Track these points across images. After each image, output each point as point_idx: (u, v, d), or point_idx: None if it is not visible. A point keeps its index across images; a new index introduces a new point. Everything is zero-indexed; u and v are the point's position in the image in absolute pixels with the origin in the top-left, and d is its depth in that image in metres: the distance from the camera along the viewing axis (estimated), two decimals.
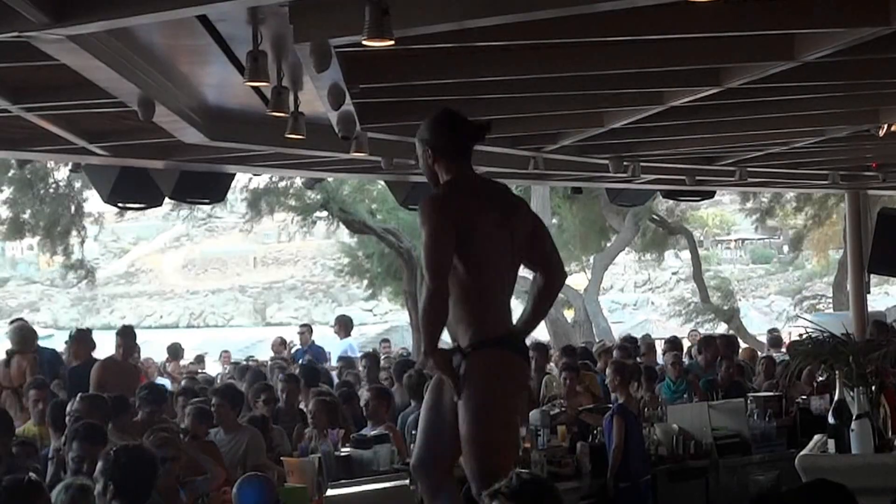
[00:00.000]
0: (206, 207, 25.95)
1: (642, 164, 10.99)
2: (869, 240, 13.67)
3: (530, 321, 5.20)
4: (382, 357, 14.31)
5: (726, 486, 9.31)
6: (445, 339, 4.93)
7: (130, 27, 5.23)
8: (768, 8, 5.80)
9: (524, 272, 5.15)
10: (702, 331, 22.92)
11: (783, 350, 15.08)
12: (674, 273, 57.30)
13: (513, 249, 4.93)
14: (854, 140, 10.41)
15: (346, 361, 13.06)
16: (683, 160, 11.54)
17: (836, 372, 6.85)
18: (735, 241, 62.57)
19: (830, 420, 6.89)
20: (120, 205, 11.77)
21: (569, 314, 25.46)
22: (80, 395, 7.62)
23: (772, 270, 59.81)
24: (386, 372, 11.81)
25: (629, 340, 13.81)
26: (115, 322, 52.53)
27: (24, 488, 4.46)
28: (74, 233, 21.96)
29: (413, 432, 8.04)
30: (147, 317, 64.42)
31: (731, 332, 23.86)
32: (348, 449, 7.81)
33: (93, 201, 19.61)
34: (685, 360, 12.57)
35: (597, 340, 18.69)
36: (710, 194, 15.53)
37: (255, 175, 17.63)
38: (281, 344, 17.20)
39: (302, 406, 9.51)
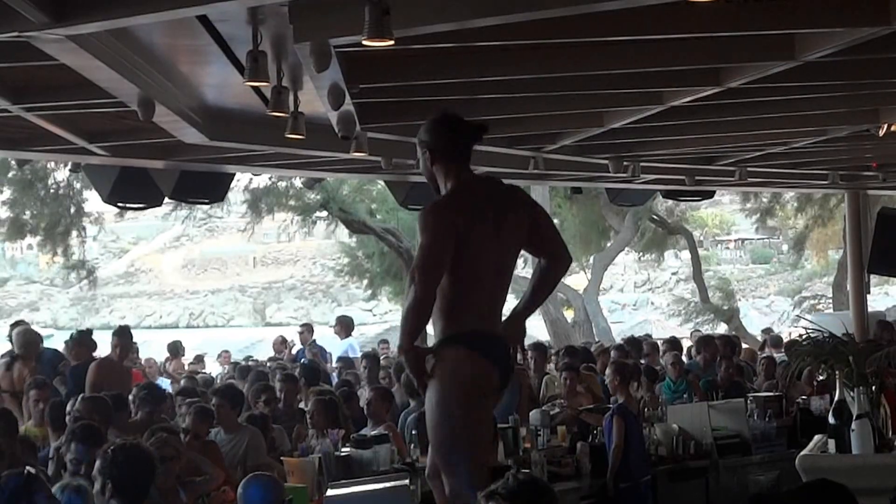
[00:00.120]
0: (206, 207, 25.99)
1: (642, 164, 10.99)
2: (869, 240, 13.66)
3: (528, 305, 5.25)
4: (382, 357, 14.32)
5: (726, 487, 9.32)
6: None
7: (130, 27, 5.22)
8: (768, 8, 5.80)
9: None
10: (703, 331, 22.93)
11: (783, 350, 15.08)
12: (673, 273, 57.33)
13: (504, 256, 4.99)
14: (854, 140, 10.41)
15: (346, 361, 13.07)
16: (683, 160, 11.54)
17: (836, 372, 6.85)
18: (735, 241, 62.58)
19: (831, 420, 6.89)
20: (120, 205, 11.76)
21: (569, 314, 25.47)
22: (81, 395, 7.61)
23: (772, 270, 59.82)
24: (385, 371, 11.82)
25: (631, 342, 13.79)
26: (114, 322, 52.47)
27: (24, 482, 4.46)
28: (74, 233, 21.97)
29: (413, 432, 8.05)
30: (147, 317, 64.43)
31: (731, 332, 23.87)
32: (348, 449, 7.81)
33: (93, 201, 19.61)
34: (685, 360, 12.57)
35: (595, 341, 18.69)
36: (710, 194, 15.52)
37: (254, 175, 17.63)
38: (282, 343, 17.20)
39: (302, 405, 9.51)
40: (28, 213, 21.53)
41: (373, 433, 8.06)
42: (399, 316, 5.26)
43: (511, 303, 5.21)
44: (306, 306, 62.27)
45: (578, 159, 10.70)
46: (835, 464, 6.56)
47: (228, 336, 39.14)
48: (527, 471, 6.88)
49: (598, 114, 8.65)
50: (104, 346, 10.96)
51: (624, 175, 11.05)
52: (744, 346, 16.10)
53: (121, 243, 71.15)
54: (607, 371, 9.61)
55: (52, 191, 21.22)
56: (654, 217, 27.31)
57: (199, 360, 19.18)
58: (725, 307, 30.27)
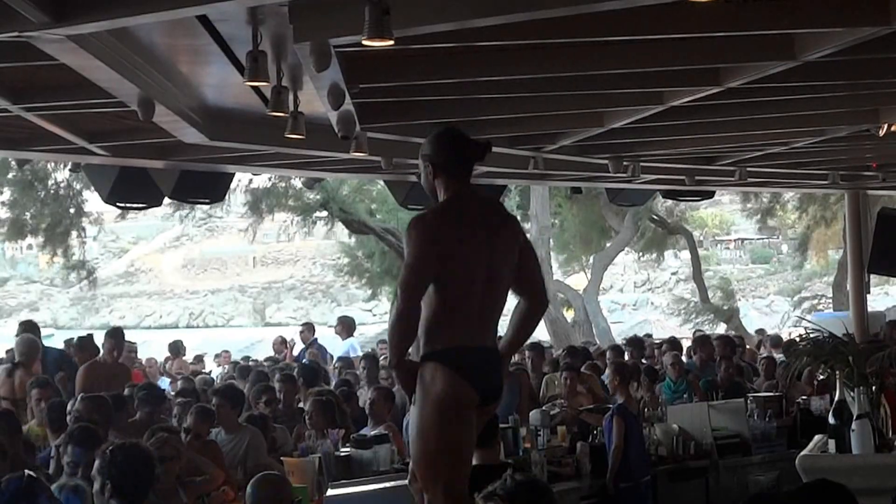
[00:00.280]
0: (206, 207, 26.00)
1: (642, 164, 10.98)
2: (869, 240, 13.66)
3: (510, 347, 5.30)
4: (382, 358, 14.30)
5: (726, 487, 9.32)
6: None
7: (130, 27, 5.22)
8: (768, 8, 5.79)
9: None
10: (704, 331, 22.95)
11: (781, 350, 15.09)
12: (673, 273, 57.33)
13: (491, 274, 4.96)
14: (854, 140, 10.40)
15: (346, 361, 13.06)
16: (683, 160, 11.53)
17: (837, 372, 6.85)
18: (734, 241, 62.59)
19: (831, 420, 6.90)
20: (120, 205, 11.76)
21: (568, 314, 25.47)
22: (81, 395, 7.61)
23: (771, 270, 59.84)
24: (386, 371, 11.82)
25: (633, 342, 13.79)
26: (114, 322, 52.60)
27: (25, 485, 4.46)
28: (74, 233, 21.98)
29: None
30: (147, 317, 64.45)
31: (731, 332, 23.88)
32: (348, 449, 7.81)
33: (93, 201, 19.62)
34: (684, 360, 12.59)
35: (594, 342, 18.69)
36: (710, 194, 15.52)
37: (254, 175, 17.63)
38: (281, 343, 17.19)
39: (302, 405, 9.51)
40: (28, 213, 21.54)
41: (373, 433, 8.06)
42: None
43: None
44: (306, 306, 62.27)
45: (578, 159, 10.69)
46: (835, 464, 6.57)
47: (228, 336, 39.17)
48: (526, 471, 6.88)
49: (598, 114, 8.65)
50: None
51: (624, 175, 11.04)
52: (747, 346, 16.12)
53: (121, 243, 71.14)
54: (607, 371, 9.61)
55: (52, 191, 21.23)
56: (654, 217, 27.32)
57: (199, 359, 19.19)
58: (725, 307, 30.30)
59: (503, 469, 6.31)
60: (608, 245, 27.36)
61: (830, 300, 31.64)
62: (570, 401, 9.45)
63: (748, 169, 11.93)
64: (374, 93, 7.04)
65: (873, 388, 6.84)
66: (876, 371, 6.82)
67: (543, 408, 9.31)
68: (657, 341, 15.49)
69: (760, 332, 20.77)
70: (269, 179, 22.12)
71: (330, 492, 7.13)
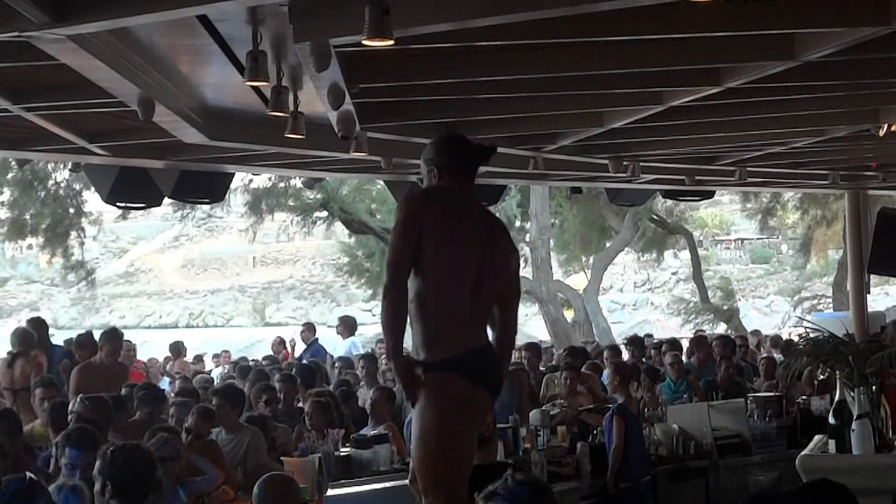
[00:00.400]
0: (206, 207, 26.01)
1: (642, 164, 10.98)
2: (869, 240, 13.66)
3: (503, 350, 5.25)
4: (383, 357, 14.29)
5: (726, 487, 9.32)
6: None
7: (130, 27, 5.22)
8: (768, 8, 5.79)
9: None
10: (705, 331, 22.95)
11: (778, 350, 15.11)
12: (673, 273, 57.31)
13: (480, 268, 4.94)
14: (854, 140, 10.40)
15: (346, 361, 13.06)
16: (683, 160, 11.53)
17: (837, 372, 6.85)
18: (734, 241, 62.58)
19: (831, 420, 6.89)
20: (120, 204, 11.76)
21: (568, 314, 25.47)
22: (80, 396, 7.61)
23: (771, 270, 59.83)
24: (386, 364, 11.84)
25: (633, 342, 13.80)
26: (114, 322, 52.60)
27: (26, 488, 4.45)
28: (74, 234, 21.99)
29: None
30: (146, 317, 64.44)
31: (731, 332, 23.87)
32: (348, 449, 7.81)
33: (93, 201, 19.63)
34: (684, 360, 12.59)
35: (592, 341, 18.69)
36: (710, 194, 15.52)
37: (254, 175, 17.63)
38: (280, 343, 17.18)
39: (301, 405, 9.50)
40: (28, 213, 21.55)
41: (373, 433, 8.06)
42: None
43: None
44: (305, 306, 62.26)
45: (578, 159, 10.69)
46: (835, 464, 6.56)
47: (228, 336, 39.15)
48: (526, 471, 6.87)
49: (597, 114, 8.65)
50: None
51: (624, 175, 11.04)
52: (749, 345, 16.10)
53: (121, 243, 71.13)
54: (607, 371, 9.61)
55: (52, 191, 21.24)
56: (654, 217, 27.33)
57: (199, 359, 19.19)
58: (725, 307, 30.31)
59: (501, 468, 6.34)
60: (608, 245, 27.36)
61: (830, 300, 31.64)
62: (570, 401, 9.45)
63: (748, 169, 11.93)
64: (374, 93, 7.04)
65: (873, 388, 6.84)
66: (876, 371, 6.81)
67: (543, 408, 9.31)
68: (655, 342, 15.46)
69: (756, 333, 20.76)
70: (269, 179, 22.12)
71: (330, 492, 7.13)
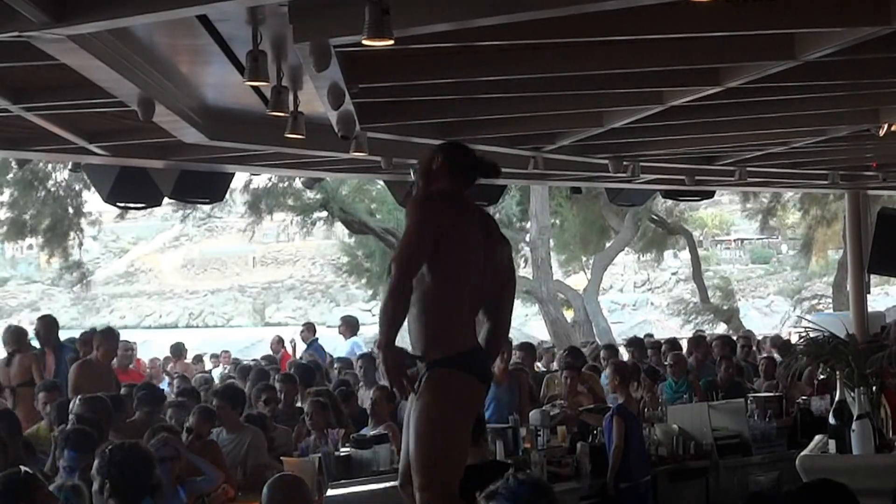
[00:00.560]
0: (206, 207, 26.00)
1: (642, 164, 10.98)
2: (869, 240, 13.66)
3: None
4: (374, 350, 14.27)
5: (726, 487, 9.31)
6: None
7: (130, 27, 5.22)
8: (768, 8, 5.79)
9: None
10: (705, 331, 22.94)
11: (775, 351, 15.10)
12: (673, 273, 57.33)
13: (483, 271, 5.05)
14: (854, 140, 10.40)
15: (345, 361, 13.05)
16: (683, 160, 11.53)
17: (837, 372, 6.85)
18: (734, 241, 62.59)
19: (831, 420, 6.89)
20: (120, 204, 11.77)
21: (568, 314, 25.47)
22: (80, 396, 7.61)
23: (771, 270, 59.83)
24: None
25: (633, 343, 13.80)
26: (114, 322, 52.59)
27: (22, 482, 4.45)
28: (73, 234, 21.99)
29: None
30: (147, 317, 64.46)
31: (730, 331, 23.87)
32: (348, 449, 7.80)
33: (93, 201, 19.63)
34: None
35: (591, 341, 18.67)
36: (710, 194, 15.52)
37: (254, 175, 17.62)
38: (278, 343, 17.18)
39: (300, 405, 9.50)
40: (28, 213, 21.55)
41: (372, 433, 8.06)
42: None
43: None
44: (305, 306, 62.26)
45: (578, 159, 10.69)
46: (835, 464, 6.56)
47: (228, 336, 39.13)
48: (526, 471, 6.87)
49: (597, 114, 8.65)
50: None
51: (624, 175, 11.04)
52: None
53: (121, 243, 71.15)
54: (607, 371, 9.61)
55: (52, 191, 21.24)
56: (654, 217, 27.33)
57: (199, 359, 19.19)
58: (725, 307, 30.31)
59: (492, 466, 6.37)
60: (608, 245, 27.35)
61: (830, 300, 31.64)
62: (570, 401, 9.44)
63: (748, 169, 11.93)
64: (374, 93, 7.04)
65: (873, 388, 6.84)
66: (876, 371, 6.81)
67: (543, 408, 9.31)
68: (652, 342, 15.44)
69: (747, 333, 20.71)
70: (269, 179, 22.12)
71: (330, 492, 7.13)
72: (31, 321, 12.36)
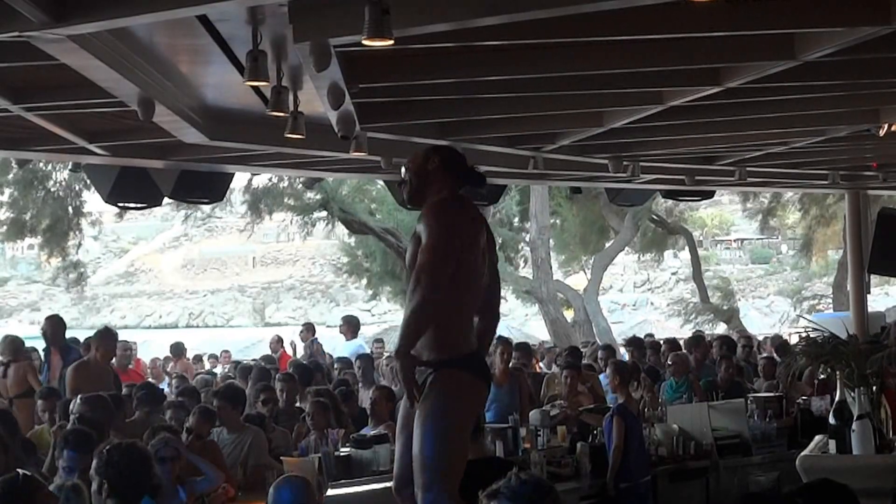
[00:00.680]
0: (206, 207, 26.00)
1: (642, 163, 10.98)
2: (869, 240, 13.66)
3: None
4: (385, 356, 14.30)
5: (726, 487, 9.31)
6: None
7: (130, 27, 5.22)
8: (768, 8, 5.79)
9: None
10: (705, 331, 22.94)
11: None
12: (673, 273, 57.39)
13: (483, 272, 5.10)
14: (854, 140, 10.39)
15: (345, 362, 13.05)
16: (683, 160, 11.53)
17: (837, 373, 6.84)
18: (734, 241, 62.62)
19: (831, 420, 6.88)
20: (120, 204, 11.77)
21: (568, 314, 25.48)
22: (81, 396, 7.61)
23: (771, 270, 59.86)
24: (387, 361, 11.86)
25: (633, 343, 13.80)
26: (115, 322, 52.62)
27: (21, 484, 4.44)
28: (74, 234, 22.00)
29: None
30: (147, 317, 64.49)
31: (730, 331, 23.87)
32: (348, 449, 7.80)
33: (92, 201, 19.63)
34: None
35: (591, 342, 18.67)
36: (710, 194, 15.52)
37: (254, 175, 17.61)
38: (277, 342, 17.18)
39: (299, 404, 9.50)
40: (28, 213, 21.55)
41: (372, 433, 8.05)
42: (399, 316, 5.28)
43: None
44: (305, 306, 62.31)
45: (578, 159, 10.69)
46: (835, 464, 6.55)
47: (228, 336, 39.15)
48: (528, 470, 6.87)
49: (597, 114, 8.65)
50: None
51: (624, 175, 11.04)
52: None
53: (121, 243, 71.22)
54: (607, 371, 9.61)
55: (52, 191, 21.25)
56: (654, 217, 27.33)
57: (199, 359, 19.19)
58: (725, 307, 30.31)
59: (490, 462, 6.39)
60: (608, 245, 27.36)
61: (830, 300, 31.65)
62: (570, 400, 9.44)
63: (748, 169, 11.93)
64: (374, 93, 7.04)
65: (874, 388, 6.83)
66: (876, 371, 6.81)
67: (543, 408, 9.30)
68: (650, 342, 15.43)
69: (747, 334, 20.73)
70: (269, 179, 22.12)
71: (330, 492, 7.13)
72: (32, 321, 12.38)
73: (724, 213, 56.63)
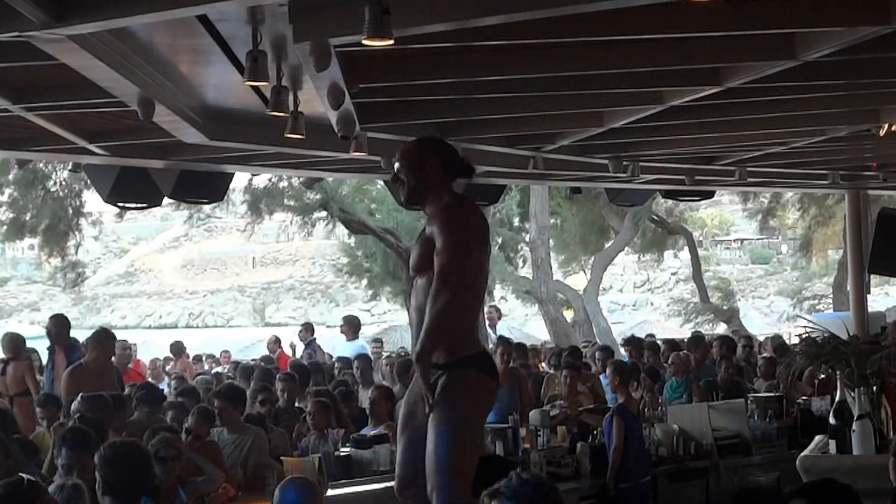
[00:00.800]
0: (206, 207, 26.00)
1: (642, 164, 10.98)
2: (869, 240, 13.66)
3: None
4: (384, 356, 14.31)
5: (727, 487, 9.31)
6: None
7: (130, 27, 5.22)
8: (768, 8, 5.79)
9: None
10: (704, 331, 22.92)
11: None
12: (673, 273, 57.40)
13: (488, 272, 5.17)
14: (854, 140, 10.40)
15: (345, 362, 13.06)
16: (683, 160, 11.53)
17: (837, 373, 6.84)
18: (734, 241, 62.61)
19: (831, 420, 6.88)
20: (120, 204, 11.77)
21: (568, 314, 25.48)
22: (81, 394, 7.61)
23: (771, 270, 59.87)
24: (390, 362, 11.86)
25: (632, 343, 13.79)
26: (115, 322, 52.65)
27: (24, 490, 4.44)
28: (73, 234, 21.99)
29: None
30: (147, 317, 64.50)
31: (730, 331, 23.85)
32: (348, 449, 7.81)
33: (92, 201, 19.62)
34: None
35: (591, 342, 18.66)
36: (710, 194, 15.52)
37: (254, 175, 17.60)
38: (275, 342, 17.19)
39: (299, 404, 9.50)
40: (28, 213, 21.55)
41: (372, 433, 8.05)
42: (397, 316, 5.28)
43: None
44: (305, 306, 62.31)
45: (578, 159, 10.69)
46: (836, 464, 6.55)
47: (228, 336, 39.14)
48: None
49: (597, 114, 8.65)
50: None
51: (624, 175, 11.04)
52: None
53: (121, 243, 71.23)
54: (607, 371, 9.61)
55: (52, 191, 21.24)
56: (654, 217, 27.33)
57: (199, 360, 19.19)
58: (725, 307, 30.30)
59: (490, 460, 6.39)
60: (608, 245, 27.35)
61: (831, 300, 31.64)
62: (570, 401, 9.44)
63: (748, 169, 11.93)
64: (374, 93, 7.04)
65: (874, 388, 6.83)
66: (876, 371, 6.80)
67: (543, 408, 9.30)
68: (649, 342, 15.42)
69: (739, 338, 20.70)
70: (269, 179, 22.11)
71: (330, 492, 7.13)
72: (32, 321, 12.38)
73: (724, 213, 56.64)
